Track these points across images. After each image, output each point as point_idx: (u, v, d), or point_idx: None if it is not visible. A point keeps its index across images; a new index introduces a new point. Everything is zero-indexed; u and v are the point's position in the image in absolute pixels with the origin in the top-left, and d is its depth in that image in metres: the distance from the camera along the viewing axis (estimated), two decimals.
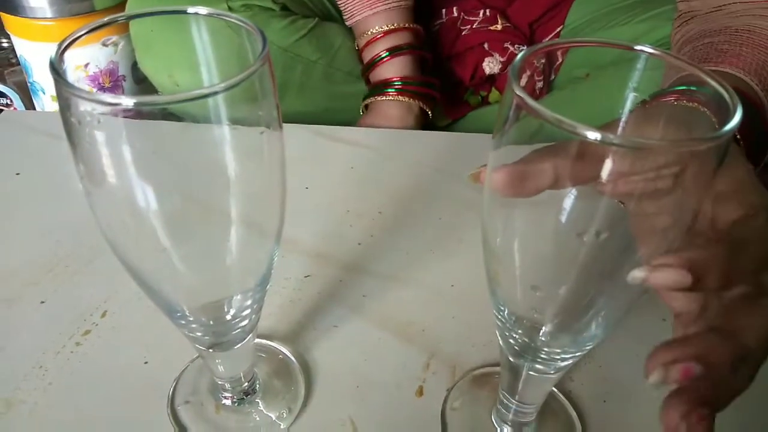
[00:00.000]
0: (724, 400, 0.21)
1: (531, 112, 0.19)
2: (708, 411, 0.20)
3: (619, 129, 0.25)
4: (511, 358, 0.28)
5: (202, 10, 0.25)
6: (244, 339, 0.30)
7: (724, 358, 0.20)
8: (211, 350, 0.30)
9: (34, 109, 0.84)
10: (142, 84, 0.80)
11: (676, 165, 0.19)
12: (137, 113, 0.20)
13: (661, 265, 0.20)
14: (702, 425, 0.20)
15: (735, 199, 0.23)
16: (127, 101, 0.19)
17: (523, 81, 0.22)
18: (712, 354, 0.20)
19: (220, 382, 0.33)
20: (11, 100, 0.87)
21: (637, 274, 0.20)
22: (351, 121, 0.70)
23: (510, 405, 0.31)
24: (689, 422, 0.20)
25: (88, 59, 0.71)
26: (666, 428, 0.20)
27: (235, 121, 0.22)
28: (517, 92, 0.20)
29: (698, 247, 0.20)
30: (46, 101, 0.81)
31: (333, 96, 0.71)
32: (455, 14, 0.73)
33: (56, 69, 0.20)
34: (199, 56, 0.27)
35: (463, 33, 0.72)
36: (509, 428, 0.33)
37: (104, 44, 0.64)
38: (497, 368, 0.32)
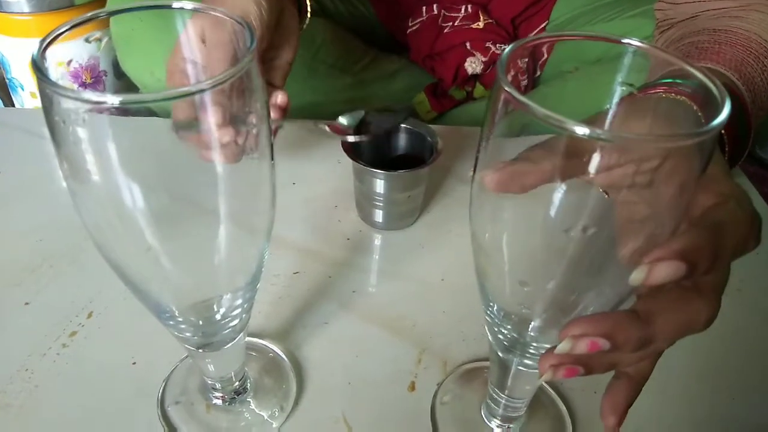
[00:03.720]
0: (601, 369, 0.23)
1: (520, 107, 0.19)
2: (582, 370, 0.22)
3: (607, 122, 0.25)
4: (500, 354, 0.28)
5: (188, 4, 0.25)
6: (235, 338, 0.30)
7: (630, 338, 0.21)
8: (200, 350, 0.30)
9: (13, 105, 0.83)
10: (124, 79, 0.78)
11: (659, 159, 0.19)
12: (123, 110, 0.19)
13: (656, 260, 0.20)
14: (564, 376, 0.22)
15: (707, 189, 0.23)
16: (113, 99, 0.19)
17: (509, 78, 0.22)
18: (619, 332, 0.21)
19: (210, 382, 0.33)
20: None
21: (637, 276, 0.20)
22: (335, 115, 0.69)
23: (500, 400, 0.31)
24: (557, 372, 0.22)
25: (69, 56, 0.70)
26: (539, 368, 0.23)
27: None
28: (506, 87, 0.20)
29: (682, 235, 0.21)
30: (26, 97, 0.79)
31: (317, 90, 0.70)
32: (435, 11, 0.72)
33: (39, 66, 0.20)
34: None
35: (445, 31, 0.71)
36: (498, 422, 0.33)
37: (87, 41, 0.63)
38: (486, 363, 0.32)
